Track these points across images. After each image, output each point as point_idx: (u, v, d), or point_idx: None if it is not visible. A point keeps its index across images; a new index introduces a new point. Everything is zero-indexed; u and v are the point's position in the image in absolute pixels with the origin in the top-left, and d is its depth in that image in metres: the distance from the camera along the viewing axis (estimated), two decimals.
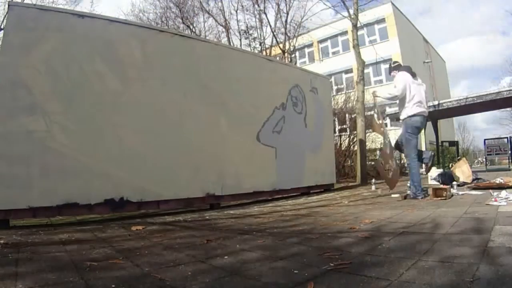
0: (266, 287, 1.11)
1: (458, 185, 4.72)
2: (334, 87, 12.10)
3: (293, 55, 13.46)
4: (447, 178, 5.19)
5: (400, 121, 3.89)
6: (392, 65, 4.10)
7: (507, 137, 15.11)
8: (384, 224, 2.18)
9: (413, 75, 3.83)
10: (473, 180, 5.08)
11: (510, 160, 13.74)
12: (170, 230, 2.30)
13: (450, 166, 6.09)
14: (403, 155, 5.29)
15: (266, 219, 2.74)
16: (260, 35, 12.52)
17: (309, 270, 1.26)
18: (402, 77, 3.75)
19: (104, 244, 1.85)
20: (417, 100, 3.69)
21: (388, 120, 14.51)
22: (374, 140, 10.36)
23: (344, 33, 13.90)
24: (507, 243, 1.44)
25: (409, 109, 3.70)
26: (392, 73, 4.06)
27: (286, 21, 11.86)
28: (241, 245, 1.76)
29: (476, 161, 26.95)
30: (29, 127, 2.57)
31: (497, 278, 1.03)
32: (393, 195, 3.92)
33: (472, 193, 3.81)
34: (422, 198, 3.50)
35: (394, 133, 11.28)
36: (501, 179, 4.42)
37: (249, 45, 12.57)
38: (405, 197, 3.67)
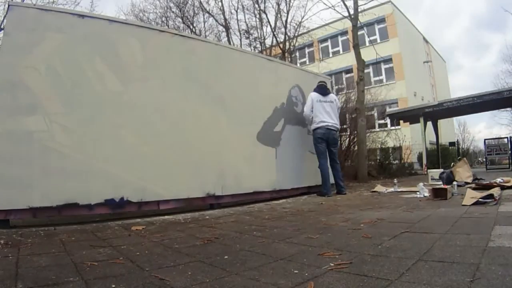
0: (266, 287, 1.11)
1: (459, 185, 4.73)
2: (335, 87, 12.08)
3: (293, 55, 13.47)
4: (447, 178, 5.19)
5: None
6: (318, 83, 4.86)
7: (507, 137, 15.13)
8: (384, 224, 2.18)
9: (324, 94, 4.70)
10: (474, 180, 5.08)
11: (510, 160, 13.74)
12: (170, 230, 2.30)
13: (451, 165, 6.08)
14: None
15: (266, 219, 2.74)
16: (260, 35, 12.53)
17: (309, 270, 1.26)
18: (309, 98, 4.69)
19: (104, 244, 1.85)
20: (319, 115, 4.59)
21: (388, 120, 14.53)
22: (374, 140, 10.37)
23: (344, 33, 13.89)
24: (507, 243, 1.44)
25: (314, 124, 4.63)
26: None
27: (286, 21, 11.87)
28: (241, 245, 1.76)
29: (476, 161, 26.95)
30: (29, 127, 2.56)
31: (497, 278, 1.03)
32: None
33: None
34: (328, 196, 4.37)
35: (395, 133, 11.30)
36: (501, 179, 4.42)
37: (250, 45, 12.58)
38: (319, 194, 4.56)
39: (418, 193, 4.01)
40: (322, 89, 4.73)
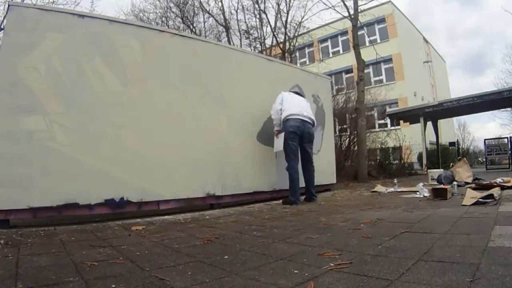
0: (266, 287, 1.11)
1: (459, 185, 4.73)
2: (335, 87, 12.08)
3: (293, 55, 13.46)
4: (448, 178, 5.19)
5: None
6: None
7: (507, 137, 15.13)
8: (384, 224, 2.18)
9: (296, 93, 4.23)
10: (474, 180, 5.08)
11: (510, 160, 13.75)
12: (170, 230, 2.30)
13: (450, 166, 6.09)
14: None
15: (266, 219, 2.74)
16: (260, 35, 12.52)
17: (309, 270, 1.26)
18: (279, 95, 4.03)
19: (104, 244, 1.85)
20: (292, 107, 3.88)
21: (388, 120, 14.53)
22: (374, 140, 10.37)
23: (344, 33, 13.89)
24: (507, 243, 1.44)
25: (284, 116, 3.87)
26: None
27: (286, 21, 11.86)
28: (241, 245, 1.76)
29: (476, 161, 26.95)
30: (29, 127, 2.56)
31: (497, 278, 1.03)
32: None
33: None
34: (296, 205, 3.62)
35: (395, 133, 11.30)
36: (501, 179, 4.43)
37: (250, 45, 12.58)
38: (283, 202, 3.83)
39: (418, 193, 4.01)
40: (296, 93, 4.31)
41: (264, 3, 12.13)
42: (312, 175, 4.00)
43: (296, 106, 3.91)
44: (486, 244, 1.45)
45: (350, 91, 10.86)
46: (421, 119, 12.35)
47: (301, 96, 4.30)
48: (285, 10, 11.88)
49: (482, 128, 51.58)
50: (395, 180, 5.08)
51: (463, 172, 5.33)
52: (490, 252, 1.32)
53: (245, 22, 12.81)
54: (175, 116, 3.37)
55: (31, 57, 2.64)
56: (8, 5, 2.67)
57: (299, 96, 4.19)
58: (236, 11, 12.77)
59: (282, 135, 3.88)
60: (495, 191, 3.23)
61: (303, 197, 3.95)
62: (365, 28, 10.59)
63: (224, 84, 3.85)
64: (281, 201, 3.96)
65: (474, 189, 3.82)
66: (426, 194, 3.79)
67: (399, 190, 4.66)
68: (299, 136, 3.83)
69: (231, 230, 2.25)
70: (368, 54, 9.46)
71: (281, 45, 11.88)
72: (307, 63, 20.29)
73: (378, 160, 10.26)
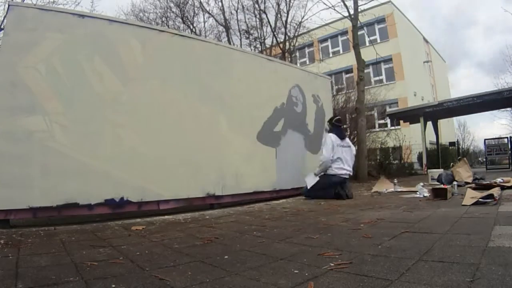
0: (266, 287, 1.11)
1: (459, 185, 4.72)
2: (335, 87, 12.08)
3: (293, 55, 13.47)
4: (448, 178, 5.19)
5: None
6: (334, 122, 4.53)
7: (507, 137, 15.12)
8: (384, 224, 2.18)
9: (342, 137, 4.41)
10: (474, 180, 5.07)
11: (510, 160, 13.74)
12: (170, 230, 2.30)
13: (450, 166, 6.08)
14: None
15: (266, 219, 2.74)
16: (260, 35, 12.53)
17: (309, 270, 1.26)
18: (329, 140, 4.30)
19: (104, 244, 1.85)
20: (338, 162, 4.26)
21: (388, 120, 14.53)
22: (374, 140, 10.37)
23: (344, 33, 13.88)
24: (507, 243, 1.44)
25: (330, 169, 4.24)
26: (325, 129, 4.72)
27: (286, 21, 11.87)
28: (241, 245, 1.76)
29: (476, 161, 26.94)
30: (29, 127, 2.57)
31: (497, 278, 1.02)
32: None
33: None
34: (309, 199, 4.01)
35: (395, 133, 11.28)
36: (501, 179, 4.43)
37: (250, 45, 12.59)
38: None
39: (417, 193, 4.01)
40: (340, 132, 4.45)
41: (264, 3, 12.15)
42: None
43: (343, 161, 4.29)
44: (486, 244, 1.45)
45: (350, 91, 10.85)
46: (421, 119, 12.34)
47: (346, 137, 4.54)
48: (285, 10, 11.90)
49: (487, 128, 50.80)
50: (395, 180, 5.06)
51: (463, 172, 5.32)
52: (490, 252, 1.32)
53: (245, 22, 12.82)
54: (175, 116, 3.37)
55: (31, 57, 2.64)
56: (8, 5, 2.67)
57: (345, 146, 4.39)
58: (236, 11, 12.78)
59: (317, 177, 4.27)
60: (495, 191, 3.23)
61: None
62: (365, 28, 10.59)
63: (224, 84, 3.84)
64: (281, 201, 3.96)
65: (474, 189, 3.82)
66: (426, 194, 3.78)
67: (399, 190, 4.65)
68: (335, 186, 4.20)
69: (231, 230, 2.25)
70: (368, 54, 9.45)
71: (281, 45, 11.89)
72: (307, 63, 20.28)
73: (378, 160, 10.26)
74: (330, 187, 4.16)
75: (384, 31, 18.71)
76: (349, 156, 4.42)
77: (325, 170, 4.27)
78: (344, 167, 4.29)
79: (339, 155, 4.28)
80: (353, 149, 4.62)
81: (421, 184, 4.17)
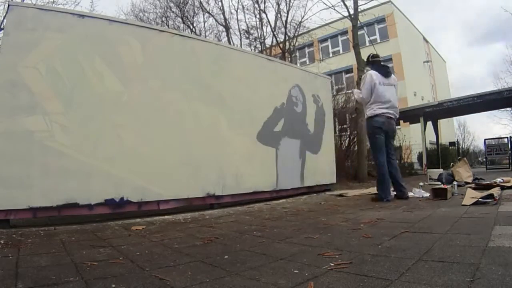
0: (266, 287, 1.11)
1: (459, 185, 4.72)
2: (335, 87, 12.08)
3: (293, 55, 13.47)
4: (448, 178, 5.19)
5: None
6: (370, 59, 4.06)
7: (507, 137, 15.12)
8: (384, 224, 2.18)
9: (385, 74, 3.83)
10: (474, 180, 5.08)
11: (510, 160, 13.74)
12: (170, 230, 2.30)
13: (451, 165, 6.09)
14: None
15: (266, 219, 2.74)
16: (260, 35, 12.53)
17: (309, 270, 1.26)
18: (368, 78, 3.78)
19: (104, 244, 1.85)
20: (380, 101, 3.72)
21: None
22: None
23: (344, 33, 13.88)
24: (507, 243, 1.44)
25: (371, 110, 3.77)
26: (365, 69, 4.12)
27: (286, 20, 11.87)
28: (241, 245, 1.76)
29: (476, 161, 26.94)
30: (29, 127, 2.56)
31: (497, 278, 1.02)
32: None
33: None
34: (387, 200, 3.58)
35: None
36: (501, 179, 4.43)
37: (250, 45, 12.59)
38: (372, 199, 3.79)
39: (414, 194, 3.95)
40: (384, 69, 3.91)
41: (264, 3, 12.15)
42: (396, 166, 3.85)
43: (387, 100, 3.74)
44: (486, 244, 1.45)
45: (350, 91, 10.85)
46: (421, 119, 12.35)
47: (391, 75, 3.91)
48: (285, 10, 11.90)
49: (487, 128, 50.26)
50: (421, 183, 4.44)
51: (463, 172, 5.33)
52: (490, 252, 1.32)
53: (245, 22, 12.85)
54: (175, 115, 3.37)
55: (31, 57, 2.64)
56: (8, 5, 2.67)
57: (391, 84, 3.84)
58: (236, 11, 12.82)
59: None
60: (495, 191, 3.23)
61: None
62: (365, 28, 10.59)
63: (224, 84, 3.84)
64: (281, 201, 3.96)
65: (474, 189, 3.82)
66: (425, 195, 3.77)
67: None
68: (385, 133, 3.76)
69: (231, 230, 2.25)
70: (368, 54, 9.44)
71: (281, 45, 11.89)
72: (307, 63, 20.28)
73: None
74: (378, 133, 3.70)
75: (384, 31, 18.71)
76: (393, 94, 3.84)
77: (361, 101, 3.92)
78: (387, 106, 3.73)
79: (382, 93, 3.71)
80: (395, 86, 3.94)
81: (421, 184, 4.14)
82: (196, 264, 1.40)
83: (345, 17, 8.62)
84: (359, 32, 8.60)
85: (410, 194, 3.85)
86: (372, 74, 3.77)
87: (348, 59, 17.34)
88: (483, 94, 10.92)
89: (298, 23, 11.97)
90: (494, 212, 2.32)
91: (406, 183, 3.96)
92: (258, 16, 12.47)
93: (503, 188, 3.95)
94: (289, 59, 11.85)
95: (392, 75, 3.94)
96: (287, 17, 11.86)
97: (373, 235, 1.81)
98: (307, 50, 20.67)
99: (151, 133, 3.17)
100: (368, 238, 1.77)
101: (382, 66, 3.93)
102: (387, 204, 3.35)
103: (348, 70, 18.73)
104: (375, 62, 3.96)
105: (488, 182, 4.42)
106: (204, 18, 13.74)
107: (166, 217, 2.95)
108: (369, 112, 3.80)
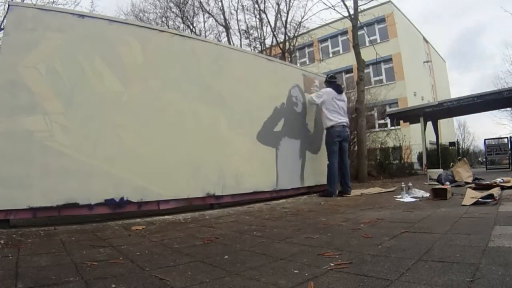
0: (266, 287, 1.11)
1: (459, 185, 4.72)
2: None
3: (293, 55, 13.47)
4: (448, 178, 5.19)
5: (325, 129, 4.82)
6: (328, 79, 4.99)
7: (507, 137, 15.12)
8: (384, 224, 2.18)
9: (339, 91, 4.82)
10: (474, 180, 5.08)
11: (510, 160, 13.74)
12: (170, 230, 2.30)
13: (451, 165, 6.08)
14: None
15: (266, 219, 2.74)
16: (260, 35, 12.54)
17: (309, 270, 1.26)
18: (326, 92, 4.73)
19: (104, 244, 1.85)
20: (335, 114, 4.64)
21: (388, 120, 14.52)
22: (374, 140, 10.36)
23: (344, 33, 13.89)
24: (507, 243, 1.44)
25: (331, 122, 4.64)
26: (324, 85, 5.04)
27: (286, 21, 11.88)
28: (241, 245, 1.76)
29: (476, 161, 26.93)
30: (29, 127, 2.56)
31: (497, 278, 1.02)
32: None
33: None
34: (335, 196, 4.39)
35: (395, 133, 11.28)
36: (501, 179, 4.42)
37: (250, 45, 12.60)
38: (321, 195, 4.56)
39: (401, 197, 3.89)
40: (338, 88, 4.87)
41: (264, 3, 12.16)
42: (348, 167, 4.75)
43: (340, 113, 4.68)
44: (486, 244, 1.45)
45: (350, 91, 10.84)
46: (421, 119, 12.34)
47: (342, 92, 4.97)
48: (285, 10, 11.91)
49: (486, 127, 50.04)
50: (408, 184, 4.16)
51: (463, 172, 5.32)
52: (490, 252, 1.32)
53: (245, 22, 12.84)
54: (175, 116, 3.37)
55: (31, 57, 2.64)
56: (8, 5, 2.67)
57: (341, 100, 4.79)
58: (236, 11, 12.81)
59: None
60: (495, 191, 3.23)
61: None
62: (365, 28, 10.59)
63: (224, 84, 3.84)
64: (281, 201, 3.96)
65: (474, 189, 3.82)
66: (425, 195, 3.76)
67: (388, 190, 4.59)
68: (340, 139, 4.66)
69: (231, 230, 2.25)
70: (368, 54, 9.45)
71: (281, 45, 11.89)
72: (307, 63, 20.28)
73: (378, 160, 10.25)
74: (335, 141, 4.61)
75: (384, 31, 18.72)
76: (344, 107, 4.83)
77: (312, 102, 4.84)
78: (341, 117, 4.66)
79: (335, 106, 4.66)
80: (345, 100, 5.02)
81: (419, 189, 3.91)
82: (196, 264, 1.40)
83: (345, 17, 8.62)
84: (359, 32, 8.59)
85: (410, 194, 3.84)
86: (328, 92, 4.72)
87: (348, 59, 17.35)
88: (483, 94, 10.91)
89: (298, 23, 11.99)
90: (494, 212, 2.33)
91: (406, 184, 4.04)
92: (258, 16, 12.49)
93: (503, 188, 3.94)
94: (289, 59, 11.86)
95: (343, 93, 5.07)
96: (287, 17, 11.89)
97: (373, 235, 1.81)
98: (307, 50, 20.67)
99: (151, 133, 3.17)
100: (368, 238, 1.77)
101: (337, 86, 4.91)
102: (387, 204, 3.35)
103: (348, 70, 18.73)
104: (332, 82, 4.89)
105: (488, 182, 4.42)
106: (204, 18, 13.76)
107: (166, 217, 2.95)
108: (329, 123, 4.65)
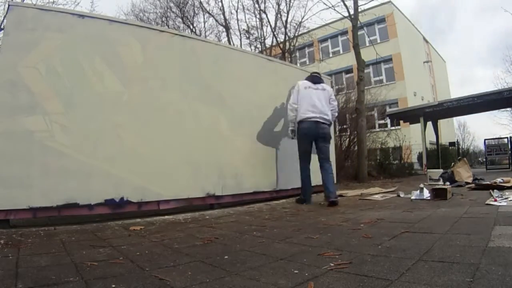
0: (266, 287, 1.11)
1: (459, 185, 4.73)
2: (335, 87, 12.09)
3: (293, 55, 13.48)
4: (448, 178, 5.19)
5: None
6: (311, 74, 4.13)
7: (507, 137, 15.11)
8: (384, 224, 2.18)
9: (314, 81, 3.87)
10: (474, 180, 5.08)
11: (510, 160, 13.74)
12: (170, 230, 2.30)
13: (451, 165, 6.08)
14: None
15: (266, 219, 2.74)
16: (260, 35, 12.55)
17: (309, 270, 1.26)
18: (295, 86, 3.90)
19: (104, 244, 1.85)
20: (305, 105, 3.75)
21: (388, 120, 14.53)
22: (374, 140, 10.37)
23: (344, 33, 13.88)
24: (507, 243, 1.44)
25: (299, 116, 3.79)
26: None
27: (286, 21, 11.88)
28: (241, 245, 1.76)
29: (476, 161, 26.93)
30: (29, 127, 2.56)
31: (497, 278, 1.02)
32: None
33: (473, 193, 3.81)
34: (306, 204, 3.72)
35: (395, 133, 11.29)
36: (501, 179, 4.43)
37: (250, 45, 12.60)
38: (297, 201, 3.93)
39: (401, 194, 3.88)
40: (314, 78, 3.95)
41: (264, 3, 12.17)
42: (328, 171, 3.76)
43: (312, 104, 3.74)
44: (486, 244, 1.45)
45: (350, 91, 10.86)
46: (421, 119, 12.34)
47: (321, 82, 3.94)
48: (285, 10, 11.91)
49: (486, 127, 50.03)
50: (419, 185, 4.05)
51: (463, 172, 5.33)
52: (490, 252, 1.32)
53: (245, 22, 12.91)
54: (175, 116, 3.37)
55: (31, 57, 2.64)
56: (8, 5, 2.67)
57: (318, 89, 3.83)
58: (236, 11, 12.86)
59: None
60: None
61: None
62: (365, 28, 10.59)
63: (224, 84, 3.84)
64: (281, 201, 3.96)
65: (474, 189, 3.82)
66: (425, 195, 3.75)
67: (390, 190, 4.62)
68: (312, 138, 3.77)
69: (231, 230, 2.25)
70: (368, 54, 9.45)
71: (281, 45, 11.90)
72: (307, 63, 20.29)
73: (378, 160, 10.26)
74: (303, 139, 3.77)
75: (384, 31, 18.72)
76: (322, 97, 3.78)
77: (293, 122, 3.87)
78: (312, 109, 3.71)
79: (306, 97, 3.74)
80: (331, 94, 3.94)
81: (421, 188, 3.92)
82: (196, 264, 1.40)
83: (345, 17, 8.62)
84: (359, 32, 8.59)
85: (412, 196, 3.82)
86: (299, 83, 3.88)
87: (348, 59, 17.36)
88: (483, 94, 10.91)
89: (298, 23, 12.00)
90: (494, 212, 2.33)
91: (405, 183, 3.99)
92: (258, 16, 12.50)
93: (503, 188, 3.94)
94: (289, 59, 11.86)
95: (323, 83, 3.96)
96: (287, 17, 11.89)
97: (373, 235, 1.81)
98: (307, 50, 20.68)
99: (151, 133, 3.17)
100: (368, 238, 1.77)
101: (313, 77, 3.98)
102: (387, 204, 3.35)
103: (348, 70, 18.74)
104: (310, 75, 4.04)
105: (488, 182, 4.42)
106: (204, 18, 13.80)
107: (166, 217, 2.95)
108: (298, 117, 3.81)
